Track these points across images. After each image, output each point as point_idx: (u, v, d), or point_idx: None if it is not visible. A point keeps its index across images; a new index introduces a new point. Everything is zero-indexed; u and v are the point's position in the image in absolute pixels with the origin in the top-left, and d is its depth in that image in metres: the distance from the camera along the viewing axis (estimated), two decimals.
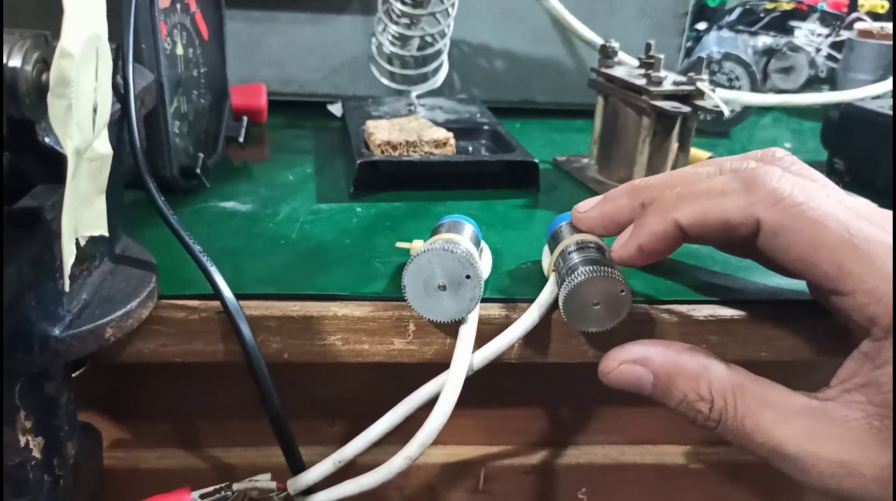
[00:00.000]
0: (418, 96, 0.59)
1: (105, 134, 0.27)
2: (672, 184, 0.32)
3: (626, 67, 0.52)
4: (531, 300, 0.33)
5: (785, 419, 0.27)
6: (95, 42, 0.23)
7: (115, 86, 0.31)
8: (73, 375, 0.31)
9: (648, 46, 0.50)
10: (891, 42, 0.71)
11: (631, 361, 0.30)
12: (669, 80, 0.46)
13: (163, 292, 0.32)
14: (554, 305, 0.33)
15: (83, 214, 0.26)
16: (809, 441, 0.26)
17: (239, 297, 0.32)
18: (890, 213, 0.28)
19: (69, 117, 0.22)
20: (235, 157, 0.53)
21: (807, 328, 0.34)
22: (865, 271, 0.25)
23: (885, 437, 0.25)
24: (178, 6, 0.44)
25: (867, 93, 0.57)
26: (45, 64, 0.23)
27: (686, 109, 0.44)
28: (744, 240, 0.29)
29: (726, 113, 0.43)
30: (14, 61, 0.22)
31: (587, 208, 0.34)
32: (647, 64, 0.48)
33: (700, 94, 0.46)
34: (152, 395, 0.40)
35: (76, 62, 0.22)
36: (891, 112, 0.49)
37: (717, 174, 0.31)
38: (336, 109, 0.64)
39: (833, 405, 0.26)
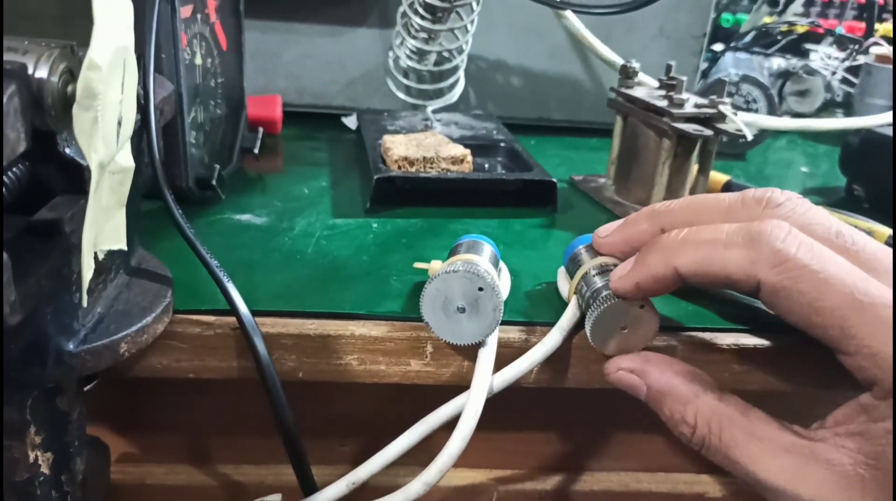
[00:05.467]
0: (434, 111, 0.58)
1: (128, 146, 0.26)
2: (692, 211, 0.31)
3: (646, 88, 0.51)
4: (550, 324, 0.33)
5: (770, 455, 0.27)
6: (123, 54, 0.23)
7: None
8: (85, 389, 0.30)
9: (669, 68, 0.49)
10: None
11: (629, 369, 0.31)
12: (691, 102, 0.46)
13: (177, 307, 0.32)
14: (575, 328, 0.33)
15: (103, 227, 0.26)
16: (792, 478, 0.26)
17: (255, 313, 0.31)
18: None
19: (95, 130, 0.22)
20: (250, 168, 0.53)
21: (830, 360, 0.33)
22: (869, 335, 0.25)
23: (869, 486, 0.25)
24: (199, 16, 0.43)
25: (887, 119, 0.57)
26: (71, 75, 0.23)
27: (708, 132, 0.44)
28: (745, 293, 0.29)
29: (749, 137, 0.42)
30: (41, 72, 0.22)
31: (608, 232, 0.34)
32: (669, 85, 0.48)
33: (721, 117, 0.45)
34: (161, 408, 0.40)
35: (104, 74, 0.21)
36: None
37: (738, 206, 0.30)
38: (351, 121, 0.64)
39: (822, 447, 0.26)
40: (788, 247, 0.26)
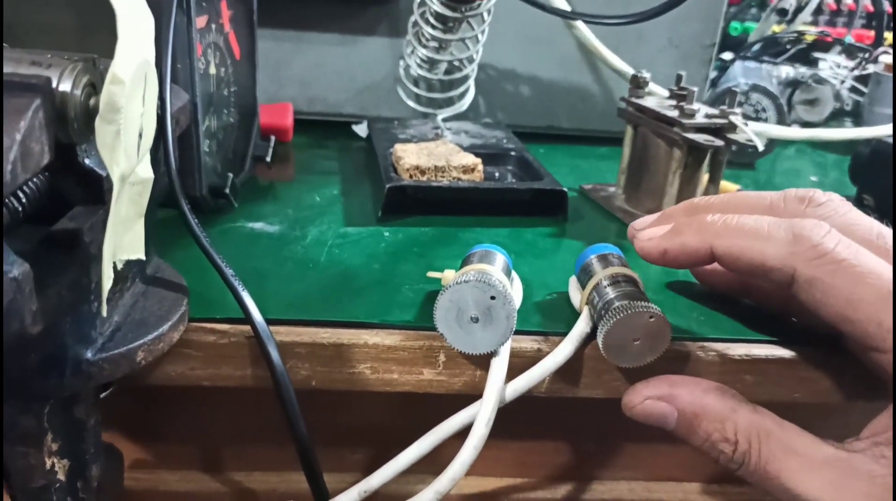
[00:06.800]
0: (444, 120, 0.59)
1: (147, 158, 0.27)
2: (732, 207, 0.32)
3: (657, 98, 0.52)
4: (562, 334, 0.33)
5: (809, 469, 0.26)
6: (145, 68, 0.23)
7: None
8: (101, 396, 0.31)
9: (679, 78, 0.50)
10: None
11: (656, 397, 0.30)
12: (702, 112, 0.46)
13: (192, 315, 0.32)
14: (587, 339, 0.33)
15: (122, 238, 0.26)
16: (832, 493, 0.26)
17: (269, 322, 0.31)
18: None
19: (117, 143, 0.22)
20: (262, 176, 0.53)
21: (842, 370, 0.33)
22: None
23: None
24: (213, 26, 0.44)
25: None
26: (93, 88, 0.23)
27: (719, 142, 0.44)
28: (777, 286, 0.28)
29: (760, 148, 0.42)
30: (64, 86, 0.22)
31: (645, 226, 0.34)
32: (680, 96, 0.48)
33: (732, 127, 0.45)
34: (175, 416, 0.40)
35: (127, 89, 0.22)
36: None
37: (779, 204, 0.31)
38: (361, 129, 0.65)
39: (860, 458, 0.26)
40: (827, 243, 0.27)
